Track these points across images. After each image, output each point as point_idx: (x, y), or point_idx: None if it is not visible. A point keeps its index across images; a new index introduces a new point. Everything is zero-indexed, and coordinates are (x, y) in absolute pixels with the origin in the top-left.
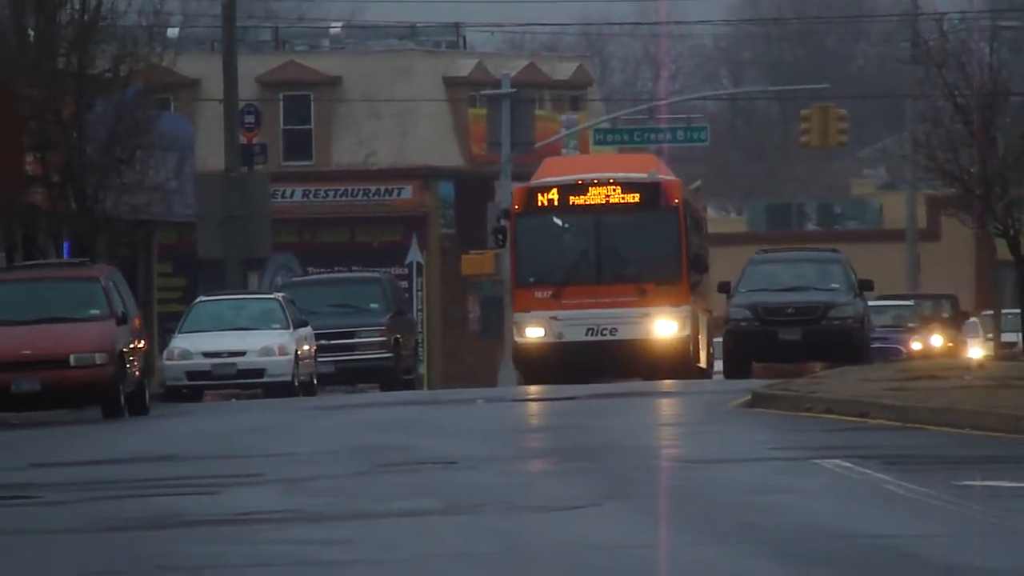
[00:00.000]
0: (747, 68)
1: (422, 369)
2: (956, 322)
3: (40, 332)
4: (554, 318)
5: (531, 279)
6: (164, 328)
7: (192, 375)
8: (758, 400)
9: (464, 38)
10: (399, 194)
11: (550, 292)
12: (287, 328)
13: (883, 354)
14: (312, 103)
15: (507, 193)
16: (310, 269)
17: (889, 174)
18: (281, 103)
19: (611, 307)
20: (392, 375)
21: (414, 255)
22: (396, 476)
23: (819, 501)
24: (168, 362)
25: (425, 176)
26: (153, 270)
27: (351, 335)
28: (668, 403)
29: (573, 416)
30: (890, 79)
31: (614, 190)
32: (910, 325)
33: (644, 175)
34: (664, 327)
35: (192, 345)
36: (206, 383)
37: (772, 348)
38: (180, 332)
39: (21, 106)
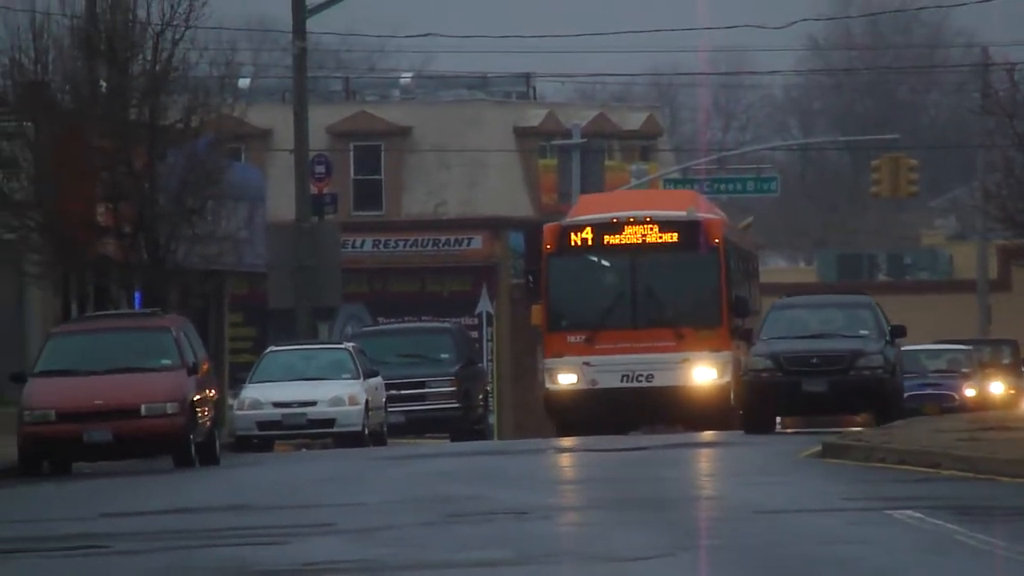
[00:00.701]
0: (817, 118)
1: (492, 419)
2: (1016, 368)
3: (112, 382)
4: (587, 364)
5: (563, 322)
6: (235, 378)
7: (263, 425)
8: (829, 450)
9: (534, 88)
10: (469, 244)
11: (583, 336)
12: (357, 378)
13: (934, 400)
14: (382, 153)
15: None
16: (380, 319)
17: (960, 224)
18: (352, 153)
19: (647, 352)
20: (462, 425)
21: (484, 305)
22: (466, 526)
23: (891, 553)
24: (239, 412)
25: (495, 226)
26: (224, 320)
27: (421, 385)
28: (737, 452)
29: (643, 466)
30: (961, 129)
31: (651, 229)
32: (964, 370)
33: (682, 213)
34: (703, 374)
35: (263, 395)
36: (276, 433)
37: (795, 400)
38: (251, 382)
39: (93, 157)
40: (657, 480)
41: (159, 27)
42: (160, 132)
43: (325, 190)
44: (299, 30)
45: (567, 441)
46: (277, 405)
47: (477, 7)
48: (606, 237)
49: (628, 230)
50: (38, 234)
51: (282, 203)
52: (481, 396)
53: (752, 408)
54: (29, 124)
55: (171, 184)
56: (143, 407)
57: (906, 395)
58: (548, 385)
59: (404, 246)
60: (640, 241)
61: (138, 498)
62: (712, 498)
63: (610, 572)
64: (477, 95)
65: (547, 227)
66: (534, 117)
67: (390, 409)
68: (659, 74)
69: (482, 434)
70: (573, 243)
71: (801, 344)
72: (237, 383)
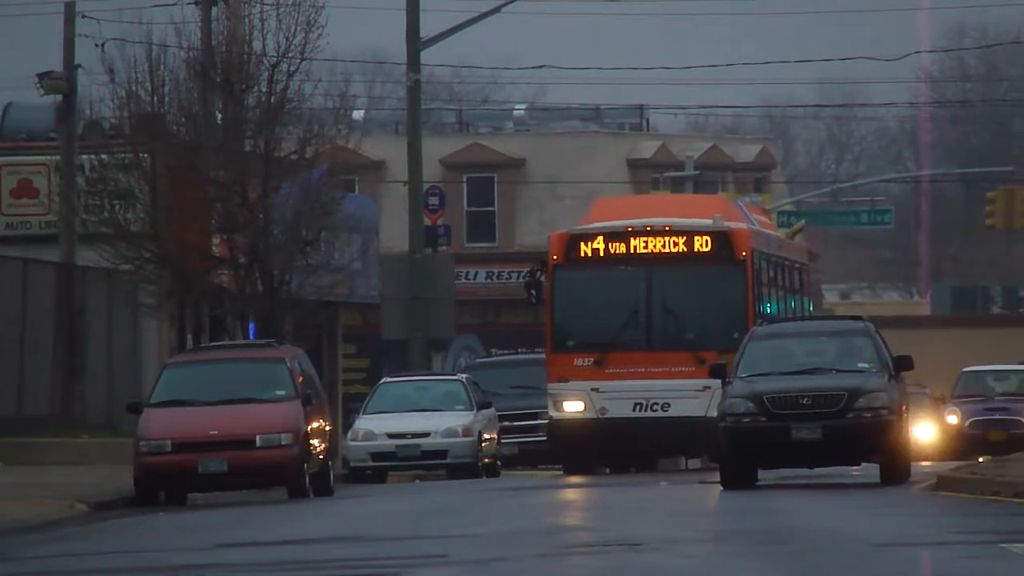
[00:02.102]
0: (932, 150)
1: None
2: None
3: (227, 413)
4: (596, 390)
5: (570, 343)
6: (348, 409)
7: (376, 456)
8: (943, 483)
9: (647, 120)
10: None
11: (592, 359)
12: (471, 409)
13: (1001, 427)
14: (496, 185)
15: None
16: (493, 350)
17: None
18: (465, 185)
19: (664, 378)
20: None
21: None
22: (580, 558)
23: None
24: (352, 443)
25: None
26: (338, 351)
27: (534, 416)
28: (851, 486)
29: (756, 498)
30: None
31: (670, 239)
32: None
33: (707, 221)
34: None
35: (376, 426)
36: (390, 464)
37: (783, 450)
38: (364, 413)
39: (209, 188)
40: (771, 512)
41: (274, 59)
42: (275, 163)
43: (438, 221)
44: (413, 62)
45: (681, 474)
46: (391, 436)
47: (591, 39)
48: (620, 247)
49: (645, 240)
50: (154, 265)
51: (395, 234)
52: None
53: (730, 460)
54: (145, 156)
55: (285, 215)
56: (258, 438)
57: (969, 421)
58: (552, 413)
59: (517, 277)
60: (658, 252)
61: (253, 529)
62: (827, 529)
63: None
64: (590, 127)
65: (554, 235)
66: (647, 149)
67: (503, 440)
68: (772, 106)
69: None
70: (582, 253)
71: (788, 382)
72: (350, 414)
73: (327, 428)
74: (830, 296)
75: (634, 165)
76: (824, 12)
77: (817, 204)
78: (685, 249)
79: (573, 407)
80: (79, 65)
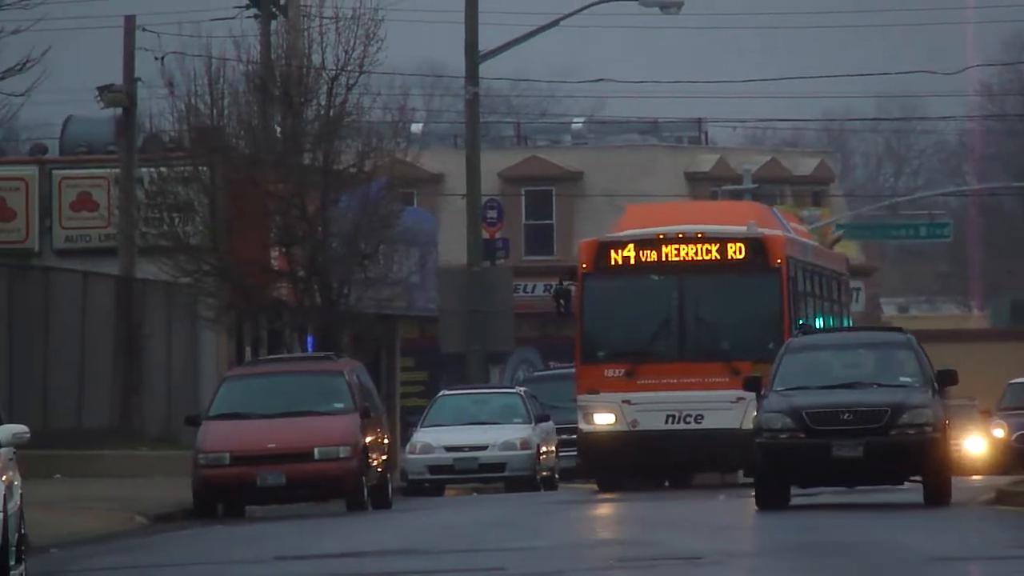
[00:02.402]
0: (990, 163)
1: None
2: None
3: (285, 426)
4: (627, 402)
5: (600, 353)
6: (406, 422)
7: (434, 469)
8: (1003, 497)
9: (706, 133)
10: None
11: (623, 370)
12: (529, 423)
13: None
14: (554, 198)
15: None
16: (552, 363)
17: None
18: (523, 198)
19: (697, 389)
20: None
21: None
22: (638, 572)
23: None
24: (411, 456)
25: None
26: (396, 364)
27: None
28: (911, 499)
29: (814, 511)
30: None
31: (703, 246)
32: None
33: (740, 228)
34: None
35: (434, 439)
36: (448, 477)
37: (822, 468)
38: (422, 426)
39: (267, 201)
40: (830, 525)
41: (333, 72)
42: (333, 176)
43: (497, 235)
44: (471, 75)
45: (738, 488)
46: (449, 449)
47: (649, 52)
48: (651, 255)
49: (676, 247)
50: (213, 278)
51: (454, 247)
52: None
53: (766, 478)
54: (205, 169)
55: (344, 228)
56: (316, 451)
57: (1016, 434)
58: (582, 426)
59: None
60: (690, 260)
61: (311, 541)
62: (886, 543)
63: None
64: (649, 140)
65: (583, 243)
66: (705, 162)
67: (562, 453)
68: (831, 120)
69: None
70: (613, 262)
71: (827, 396)
72: (408, 427)
73: (385, 441)
74: (888, 310)
75: (692, 178)
76: (883, 25)
77: (875, 218)
78: (718, 256)
79: (604, 419)
80: (139, 78)
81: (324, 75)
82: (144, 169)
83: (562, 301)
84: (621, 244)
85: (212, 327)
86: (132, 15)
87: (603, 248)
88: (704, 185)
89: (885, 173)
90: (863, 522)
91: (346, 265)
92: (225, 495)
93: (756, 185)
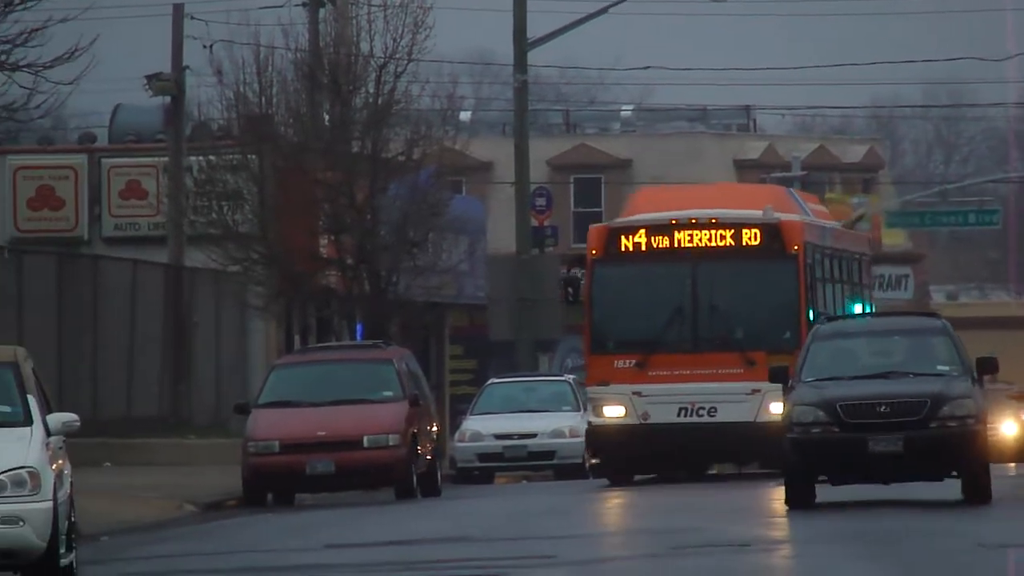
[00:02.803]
0: None
1: None
2: None
3: (334, 414)
4: (638, 394)
5: (610, 344)
6: (456, 410)
7: (483, 457)
8: None
9: (754, 120)
10: None
11: (633, 361)
12: (578, 410)
13: None
14: (603, 185)
15: None
16: None
17: None
18: (572, 186)
19: (710, 381)
20: None
21: None
22: (688, 559)
23: None
24: (460, 444)
25: None
26: (445, 352)
27: None
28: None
29: (850, 506)
30: None
31: (717, 232)
32: None
33: (756, 213)
34: (777, 407)
35: (484, 427)
36: (497, 465)
37: (858, 464)
38: (472, 414)
39: (316, 189)
40: (884, 513)
41: (382, 60)
42: (382, 164)
43: (546, 222)
44: (520, 63)
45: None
46: (498, 437)
47: (697, 40)
48: (663, 241)
49: (690, 233)
50: (262, 266)
51: (502, 235)
52: None
53: (797, 475)
54: (253, 157)
55: (393, 216)
56: (365, 439)
57: None
58: (591, 419)
59: None
60: (704, 246)
61: (361, 529)
62: (939, 530)
63: None
64: (697, 127)
65: (593, 228)
66: (754, 149)
67: None
68: (880, 106)
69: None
70: (623, 248)
71: (862, 387)
72: (458, 415)
73: (434, 429)
74: (938, 297)
75: (741, 166)
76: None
77: (924, 205)
78: (733, 243)
79: (613, 412)
80: (187, 67)
81: (373, 63)
82: (193, 157)
83: (571, 289)
84: (632, 229)
85: (261, 315)
86: (181, 3)
87: (613, 233)
88: (752, 172)
89: (935, 160)
90: (904, 513)
91: (395, 253)
92: (275, 483)
93: (805, 172)
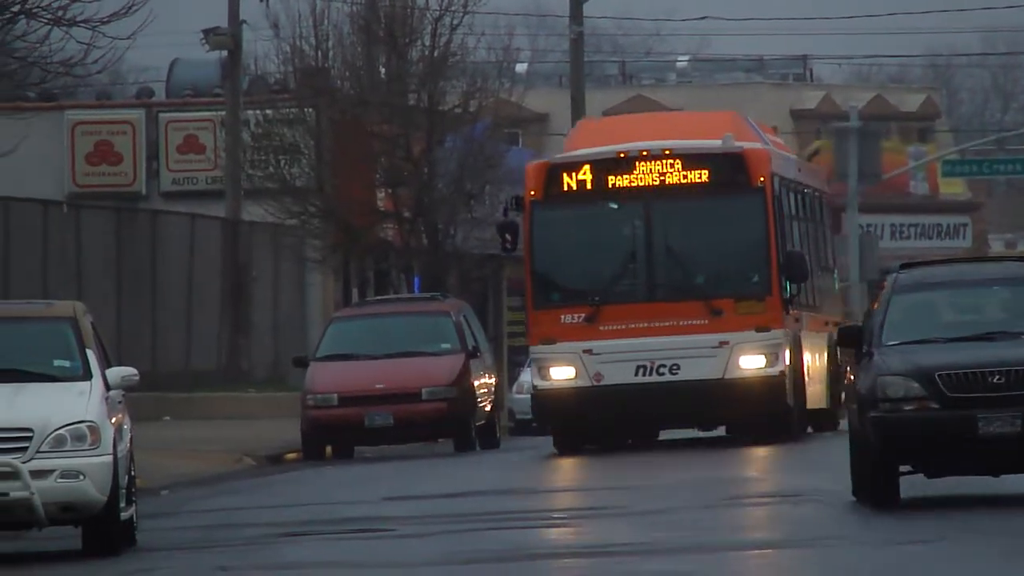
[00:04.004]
0: None
1: None
2: None
3: (392, 366)
4: (589, 352)
5: (554, 296)
6: (513, 362)
7: None
8: None
9: (811, 70)
10: None
11: (582, 315)
12: None
13: None
14: None
15: (854, 222)
16: None
17: None
18: None
19: (671, 334)
20: None
21: None
22: (742, 509)
23: None
24: (518, 395)
25: None
26: (503, 304)
27: None
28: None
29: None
30: None
31: (672, 165)
32: None
33: (715, 142)
34: (748, 362)
35: None
36: None
37: (965, 450)
38: (529, 365)
39: (373, 142)
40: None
41: (437, 13)
42: (438, 117)
43: None
44: (576, 15)
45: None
46: None
47: None
48: (611, 178)
49: (641, 167)
50: (319, 220)
51: None
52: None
53: (882, 464)
54: (310, 111)
55: (450, 169)
56: (424, 391)
57: None
58: (536, 382)
59: None
60: (658, 183)
61: (419, 482)
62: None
63: (879, 556)
64: (754, 78)
65: (530, 166)
66: (811, 99)
67: None
68: (936, 55)
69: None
70: (566, 187)
71: (966, 353)
72: (516, 367)
73: (493, 381)
74: (996, 246)
75: (798, 116)
76: None
77: (982, 153)
78: (690, 176)
79: (562, 374)
80: (244, 21)
81: (428, 15)
82: (250, 111)
83: (508, 236)
84: (575, 166)
85: (319, 269)
86: None
87: (553, 171)
88: (810, 122)
89: (992, 108)
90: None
91: (451, 206)
92: (333, 436)
93: (862, 122)
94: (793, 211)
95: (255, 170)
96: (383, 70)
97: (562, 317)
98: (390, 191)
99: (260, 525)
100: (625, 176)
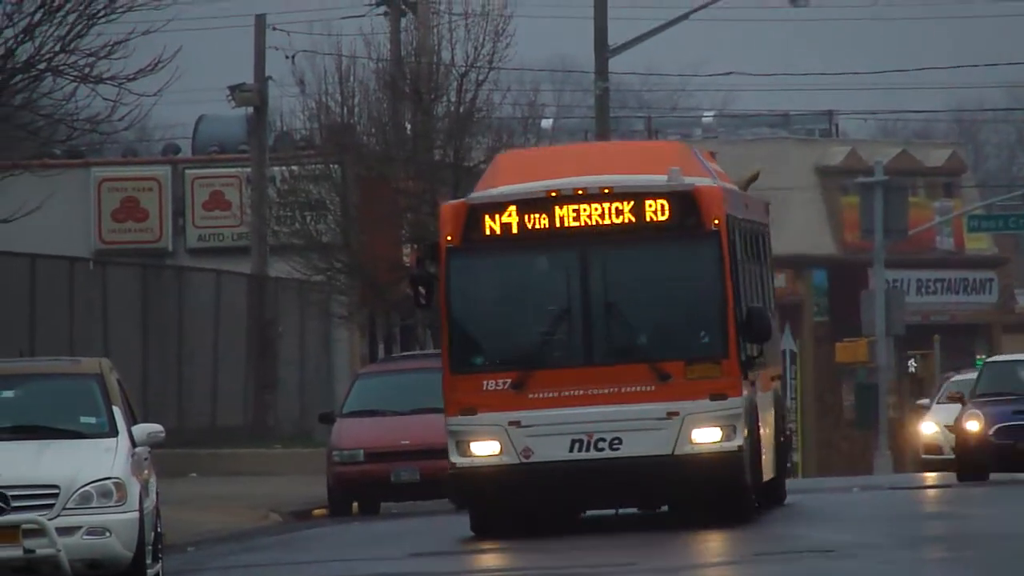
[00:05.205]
0: None
1: (796, 457)
2: None
3: (419, 422)
4: (516, 424)
5: (476, 359)
6: None
7: None
8: None
9: (837, 126)
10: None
11: (508, 381)
12: None
13: None
14: None
15: (880, 277)
16: None
17: None
18: None
19: (612, 403)
20: None
21: (787, 343)
22: (775, 565)
23: None
24: None
25: (797, 264)
26: None
27: None
28: None
29: (956, 504)
30: None
31: (611, 205)
32: None
33: (660, 178)
34: (702, 435)
35: None
36: None
37: None
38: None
39: (399, 198)
40: (972, 518)
41: (463, 69)
42: (464, 173)
43: None
44: (601, 70)
45: (871, 479)
46: None
47: (779, 45)
48: (540, 219)
49: (575, 208)
50: (345, 276)
51: None
52: (785, 434)
53: None
54: (336, 167)
55: None
56: None
57: (993, 428)
58: (455, 458)
59: None
60: (595, 225)
61: (446, 538)
62: (1019, 535)
63: None
64: (779, 133)
65: (446, 207)
66: (836, 155)
67: None
68: (963, 110)
69: (787, 472)
70: (488, 231)
71: None
72: None
73: None
74: (1022, 301)
75: (823, 171)
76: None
77: (1008, 208)
78: (633, 219)
79: (485, 449)
80: (270, 77)
81: (454, 71)
82: (276, 168)
83: (421, 289)
84: (497, 206)
85: (345, 324)
86: (263, 14)
87: (474, 213)
88: (835, 178)
89: (1018, 163)
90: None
91: None
92: (360, 492)
93: (887, 177)
94: (743, 254)
95: (281, 226)
96: (409, 126)
97: (484, 383)
98: (416, 247)
99: None
100: (558, 218)
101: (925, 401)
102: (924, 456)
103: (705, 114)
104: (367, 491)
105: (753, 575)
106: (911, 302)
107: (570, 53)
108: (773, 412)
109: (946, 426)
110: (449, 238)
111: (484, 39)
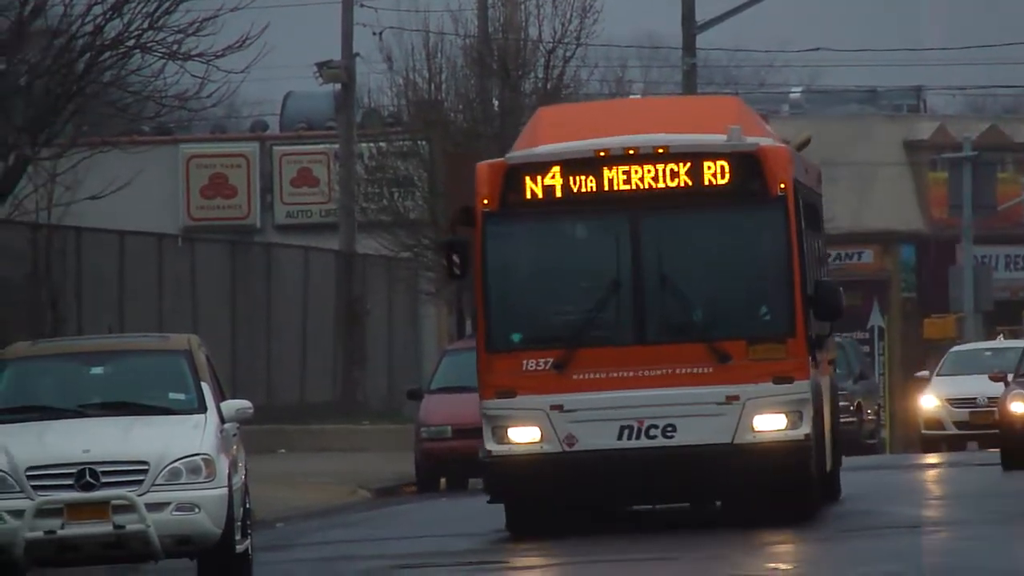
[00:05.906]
0: None
1: (884, 433)
2: None
3: None
4: (559, 408)
5: (515, 336)
6: None
7: None
8: None
9: (925, 101)
10: (859, 258)
11: (550, 361)
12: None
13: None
14: None
15: (968, 253)
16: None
17: None
18: None
19: (665, 386)
20: (854, 440)
21: (876, 319)
22: (861, 541)
23: None
24: None
25: (885, 240)
26: None
27: None
28: None
29: None
30: None
31: (667, 167)
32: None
33: (720, 137)
34: (765, 422)
35: None
36: None
37: None
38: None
39: None
40: None
41: (551, 45)
42: None
43: None
44: (688, 46)
45: (959, 456)
46: None
47: (866, 20)
48: (588, 182)
49: (626, 170)
50: (432, 252)
51: None
52: (873, 410)
53: None
54: (423, 143)
55: None
56: None
57: None
58: (490, 446)
59: None
60: (648, 188)
61: None
62: None
63: None
64: (867, 109)
65: (482, 167)
66: (924, 130)
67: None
68: None
69: (874, 449)
70: (529, 194)
71: None
72: None
73: None
74: None
75: (911, 147)
76: None
77: None
78: (690, 181)
79: (524, 436)
80: (358, 54)
81: (541, 47)
82: (363, 144)
83: (455, 257)
84: (540, 167)
85: (432, 301)
86: None
87: (513, 173)
88: (923, 153)
89: None
90: None
91: None
92: (447, 468)
93: (976, 153)
94: (806, 224)
95: (369, 203)
96: (496, 102)
97: (524, 363)
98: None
99: (375, 557)
100: (607, 180)
101: (924, 373)
102: (924, 432)
103: (793, 90)
104: (455, 467)
105: (833, 552)
106: (999, 278)
107: (657, 29)
108: (830, 398)
109: (948, 400)
110: (486, 201)
111: (571, 15)
